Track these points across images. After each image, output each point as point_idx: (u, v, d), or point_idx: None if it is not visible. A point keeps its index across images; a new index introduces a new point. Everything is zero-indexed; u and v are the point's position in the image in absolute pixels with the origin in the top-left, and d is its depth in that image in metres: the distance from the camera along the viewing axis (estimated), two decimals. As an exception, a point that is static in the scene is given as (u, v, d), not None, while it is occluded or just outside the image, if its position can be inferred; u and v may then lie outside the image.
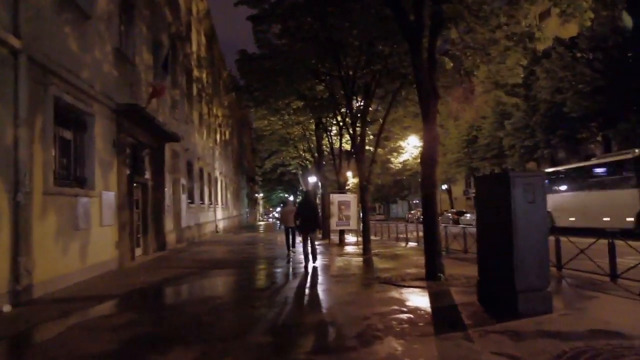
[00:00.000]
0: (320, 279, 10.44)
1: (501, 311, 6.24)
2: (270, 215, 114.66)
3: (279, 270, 12.30)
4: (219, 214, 33.49)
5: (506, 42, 13.54)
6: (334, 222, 20.08)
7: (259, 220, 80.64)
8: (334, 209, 20.09)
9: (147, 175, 15.90)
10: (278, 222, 36.76)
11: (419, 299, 7.39)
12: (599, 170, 20.84)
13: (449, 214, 43.30)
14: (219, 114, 35.63)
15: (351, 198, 20.61)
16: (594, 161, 21.78)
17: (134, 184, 14.31)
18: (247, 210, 63.43)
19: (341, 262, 13.23)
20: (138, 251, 14.89)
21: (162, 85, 14.64)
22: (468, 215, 39.27)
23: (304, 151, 31.13)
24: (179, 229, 20.05)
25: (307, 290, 8.90)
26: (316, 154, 28.94)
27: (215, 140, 33.33)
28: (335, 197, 20.28)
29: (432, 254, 9.37)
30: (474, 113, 36.07)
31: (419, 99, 10.16)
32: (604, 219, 19.15)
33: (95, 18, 11.13)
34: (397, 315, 6.22)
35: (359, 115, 16.70)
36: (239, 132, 52.98)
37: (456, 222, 38.10)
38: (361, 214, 18.55)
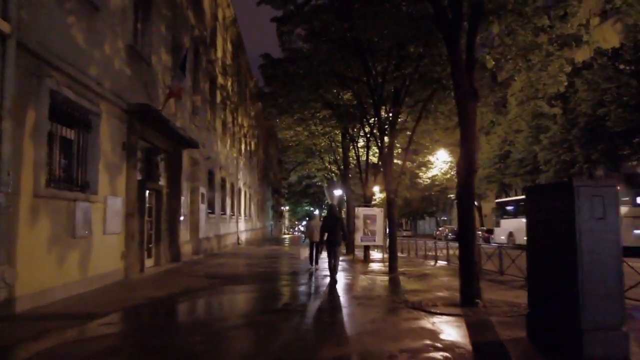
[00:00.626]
0: (341, 300, 9.29)
1: (560, 353, 4.98)
2: (296, 229, 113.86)
3: (298, 288, 11.19)
4: (242, 225, 32.60)
5: (549, 47, 12.37)
6: (358, 237, 18.88)
7: (284, 234, 79.70)
8: (359, 223, 18.91)
9: (162, 182, 15.03)
10: (303, 235, 35.68)
11: (455, 331, 6.15)
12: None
13: (479, 232, 41.50)
14: (245, 123, 34.94)
15: (377, 212, 19.40)
16: None
17: (147, 191, 13.44)
18: (272, 222, 62.55)
19: (365, 281, 12.01)
20: (149, 262, 13.97)
21: (179, 86, 13.80)
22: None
23: (330, 163, 30.09)
24: (196, 239, 19.13)
25: (324, 315, 7.74)
26: (342, 166, 27.87)
27: (240, 150, 32.58)
28: (361, 211, 19.11)
29: (469, 276, 8.11)
30: (507, 127, 34.61)
31: (456, 101, 9.00)
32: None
33: (106, 11, 10.32)
34: (430, 355, 5.01)
35: (387, 124, 15.59)
36: (265, 144, 52.34)
37: (486, 240, 36.37)
38: (388, 229, 17.35)
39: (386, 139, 15.30)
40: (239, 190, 31.81)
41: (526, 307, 7.68)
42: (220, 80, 24.67)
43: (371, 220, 19.13)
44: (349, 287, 10.98)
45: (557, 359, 4.93)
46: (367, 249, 19.35)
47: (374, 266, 16.19)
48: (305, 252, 20.22)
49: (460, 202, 8.66)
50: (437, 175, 43.14)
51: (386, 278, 12.68)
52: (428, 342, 5.52)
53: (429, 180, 44.81)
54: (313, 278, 12.71)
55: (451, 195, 44.72)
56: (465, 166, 8.42)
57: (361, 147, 25.43)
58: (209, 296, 9.72)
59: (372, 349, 5.30)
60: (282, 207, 74.81)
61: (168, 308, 8.52)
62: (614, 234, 4.99)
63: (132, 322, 7.31)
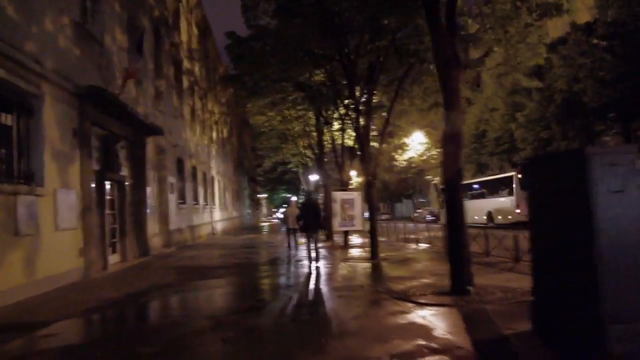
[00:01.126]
0: (322, 292, 8.48)
1: (578, 350, 4.23)
2: (274, 216, 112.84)
3: (275, 280, 10.33)
4: (217, 215, 31.52)
5: (528, 17, 11.65)
6: (336, 223, 18.08)
7: (262, 221, 78.69)
8: (336, 207, 18.09)
9: (124, 172, 13.91)
10: (281, 222, 34.84)
11: (450, 327, 5.37)
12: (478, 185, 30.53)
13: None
14: (216, 110, 33.69)
15: (355, 196, 18.58)
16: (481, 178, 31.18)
17: (106, 182, 12.35)
18: (250, 211, 61.44)
19: (346, 269, 11.21)
20: (114, 258, 12.92)
21: (135, 67, 12.70)
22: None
23: (305, 148, 29.12)
24: (166, 231, 18.07)
25: (302, 312, 6.89)
26: (316, 151, 26.95)
27: (211, 138, 31.37)
28: (338, 195, 18.27)
29: (459, 261, 7.33)
30: (483, 105, 33.97)
31: (438, 69, 8.16)
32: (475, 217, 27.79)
33: (45, -19, 9.15)
34: (426, 359, 4.20)
35: (362, 105, 14.71)
36: (238, 131, 51.02)
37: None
38: (367, 214, 16.58)
39: (362, 120, 14.44)
40: (212, 178, 30.66)
41: (522, 293, 7.03)
42: (186, 64, 23.41)
43: (349, 204, 18.30)
44: (329, 277, 10.16)
45: (573, 355, 4.18)
46: (346, 234, 18.56)
47: (354, 252, 15.42)
48: (284, 240, 19.40)
49: (448, 181, 7.86)
50: (413, 157, 42.55)
51: (368, 265, 11.89)
52: (421, 342, 4.71)
53: (405, 163, 44.23)
54: (292, 267, 11.87)
55: (428, 177, 44.24)
56: (450, 136, 7.62)
57: (336, 130, 24.62)
58: (175, 294, 8.78)
59: (356, 355, 4.47)
60: (259, 195, 73.64)
61: (124, 311, 7.56)
62: (635, 209, 4.22)
63: (79, 332, 6.33)
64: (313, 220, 12.14)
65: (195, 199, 24.69)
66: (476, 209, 28.58)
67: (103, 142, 12.34)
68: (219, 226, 31.79)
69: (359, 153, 19.00)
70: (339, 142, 26.19)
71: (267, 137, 30.47)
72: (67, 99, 9.97)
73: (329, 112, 20.78)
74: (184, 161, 21.97)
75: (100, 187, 11.83)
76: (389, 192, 59.01)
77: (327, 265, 12.12)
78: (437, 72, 8.41)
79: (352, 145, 23.31)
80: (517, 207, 24.37)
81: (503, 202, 26.33)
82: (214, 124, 32.68)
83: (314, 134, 27.30)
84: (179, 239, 19.75)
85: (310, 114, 25.15)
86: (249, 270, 12.02)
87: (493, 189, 27.93)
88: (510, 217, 25.22)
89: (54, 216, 9.24)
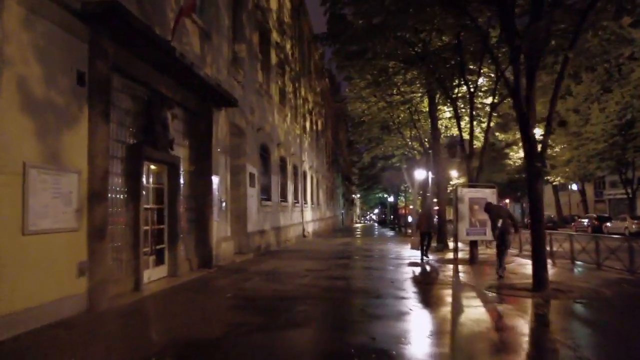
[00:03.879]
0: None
1: None
2: (367, 217, 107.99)
3: (393, 326, 5.56)
4: (308, 215, 27.37)
5: None
6: (463, 229, 12.97)
7: (356, 222, 74.27)
8: (463, 209, 13.00)
9: (179, 153, 9.87)
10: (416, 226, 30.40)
11: None
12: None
13: (585, 220, 33.93)
14: (309, 98, 29.58)
15: (488, 194, 13.36)
16: None
17: (146, 162, 8.31)
18: (343, 211, 57.18)
19: (512, 316, 6.17)
20: (157, 272, 8.89)
21: (194, 1, 8.56)
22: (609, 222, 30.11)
23: (411, 139, 24.08)
24: (243, 234, 13.98)
25: None
26: (425, 141, 21.82)
27: (304, 128, 27.28)
28: (465, 193, 13.16)
29: None
30: (633, 89, 26.69)
31: None
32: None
33: None
34: None
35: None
36: (333, 126, 46.91)
37: (596, 230, 28.93)
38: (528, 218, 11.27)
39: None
40: (304, 173, 26.53)
41: None
42: (275, 37, 19.37)
43: (480, 205, 13.13)
44: (498, 339, 5.23)
45: None
46: (473, 245, 13.37)
47: (489, 275, 10.12)
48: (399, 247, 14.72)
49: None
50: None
51: (533, 314, 6.73)
52: None
53: (520, 161, 37.49)
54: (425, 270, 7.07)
55: (549, 178, 37.08)
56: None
57: (452, 117, 19.44)
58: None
59: None
60: (353, 195, 69.23)
61: None
62: None
63: None
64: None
65: (284, 195, 20.59)
66: None
67: (143, 105, 8.29)
68: (310, 227, 27.62)
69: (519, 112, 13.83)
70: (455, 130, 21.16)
71: (367, 126, 25.81)
72: (66, 20, 5.94)
73: (454, 85, 15.55)
74: (269, 150, 17.90)
75: (135, 170, 7.79)
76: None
77: (469, 301, 7.17)
78: None
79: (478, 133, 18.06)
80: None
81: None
82: (307, 113, 28.58)
83: (424, 122, 22.23)
84: (259, 243, 15.63)
85: (419, 96, 20.20)
86: (350, 305, 7.35)
87: None
88: None
89: (21, 211, 5.20)
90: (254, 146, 15.59)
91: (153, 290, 8.01)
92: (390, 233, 36.17)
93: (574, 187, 40.07)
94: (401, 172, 29.92)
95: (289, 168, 21.77)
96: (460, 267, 11.89)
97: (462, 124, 21.55)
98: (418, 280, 9.60)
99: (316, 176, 31.89)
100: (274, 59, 19.08)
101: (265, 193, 17.35)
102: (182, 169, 9.82)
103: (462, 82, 14.04)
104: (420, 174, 25.40)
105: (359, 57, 15.03)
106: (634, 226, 26.08)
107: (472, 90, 14.01)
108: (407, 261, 13.49)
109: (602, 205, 43.89)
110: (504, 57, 11.28)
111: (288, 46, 22.24)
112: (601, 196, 44.23)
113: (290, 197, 21.80)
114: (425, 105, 21.50)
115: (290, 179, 22.08)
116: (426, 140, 22.48)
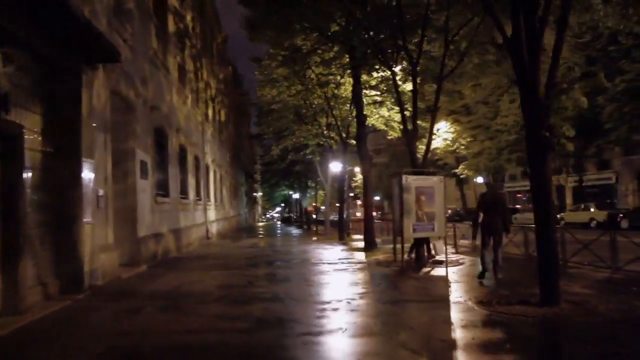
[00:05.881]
0: None
1: None
2: (270, 216, 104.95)
3: None
4: (212, 214, 23.89)
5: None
6: (409, 225, 10.63)
7: (259, 221, 71.07)
8: (410, 200, 10.66)
9: (25, 120, 6.32)
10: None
11: None
12: None
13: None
14: (212, 84, 26.02)
15: (436, 183, 11.18)
16: None
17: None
18: (246, 210, 53.76)
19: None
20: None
21: None
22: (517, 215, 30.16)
23: (328, 128, 21.65)
24: (132, 240, 10.50)
25: None
26: (341, 130, 19.54)
27: (207, 116, 23.73)
28: (412, 181, 10.82)
29: None
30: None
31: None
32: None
33: None
34: None
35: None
36: (236, 120, 43.36)
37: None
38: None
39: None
40: (207, 167, 23.00)
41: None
42: (173, 2, 15.84)
43: (427, 196, 10.91)
44: None
45: None
46: (420, 244, 11.14)
47: (458, 295, 7.86)
48: (320, 248, 12.17)
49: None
50: (438, 148, 34.98)
51: (567, 328, 4.45)
52: None
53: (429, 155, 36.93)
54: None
55: (455, 170, 36.84)
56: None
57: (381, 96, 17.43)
58: None
59: None
60: (255, 194, 65.86)
61: None
62: None
63: None
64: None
65: (184, 191, 17.08)
66: None
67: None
68: (215, 228, 24.17)
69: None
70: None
71: (277, 115, 22.94)
72: None
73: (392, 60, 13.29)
74: (167, 135, 14.39)
75: None
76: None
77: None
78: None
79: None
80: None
81: None
82: (209, 99, 25.01)
83: (342, 107, 19.95)
84: (155, 249, 12.16)
85: (340, 78, 17.86)
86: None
87: None
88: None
89: None
90: (148, 128, 12.08)
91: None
92: (298, 231, 33.73)
93: (479, 179, 40.33)
94: (314, 165, 27.41)
95: (190, 159, 18.26)
96: (421, 274, 9.52)
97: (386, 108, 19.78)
98: (386, 299, 6.97)
99: (220, 171, 28.38)
100: (171, 26, 15.56)
101: (162, 188, 13.84)
102: (28, 146, 6.28)
103: (403, 50, 11.70)
104: (335, 166, 23.09)
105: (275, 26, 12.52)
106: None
107: (414, 58, 11.71)
108: (341, 266, 10.94)
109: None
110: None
111: (189, 17, 18.71)
112: (502, 189, 45.31)
113: (192, 194, 18.30)
114: (344, 90, 19.24)
115: (192, 172, 18.58)
116: (342, 128, 20.25)
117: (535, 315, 5.38)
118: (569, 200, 35.79)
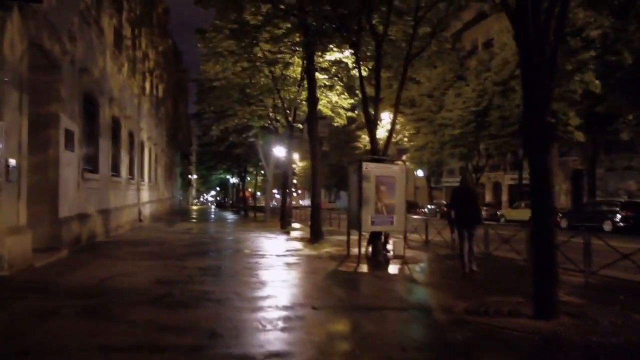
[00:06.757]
0: None
1: None
2: (203, 199, 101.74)
3: None
4: (145, 195, 22.04)
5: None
6: (368, 217, 9.80)
7: (193, 205, 68.48)
8: (370, 189, 9.82)
9: None
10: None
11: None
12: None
13: (432, 207, 34.79)
14: (150, 55, 23.91)
15: (397, 172, 10.44)
16: None
17: None
18: (181, 192, 51.33)
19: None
20: None
21: None
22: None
23: (274, 110, 20.44)
24: (51, 221, 8.92)
25: None
26: (288, 113, 18.47)
27: (143, 89, 21.73)
28: (372, 169, 9.99)
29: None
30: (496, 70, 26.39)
31: None
32: None
33: None
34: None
35: None
36: (174, 97, 40.89)
37: (444, 216, 28.88)
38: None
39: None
40: (142, 144, 21.10)
41: None
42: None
43: (388, 186, 10.14)
44: None
45: None
46: (377, 238, 10.35)
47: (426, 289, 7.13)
48: (262, 235, 11.12)
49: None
50: (380, 139, 34.65)
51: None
52: None
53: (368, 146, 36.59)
54: None
55: (398, 162, 36.77)
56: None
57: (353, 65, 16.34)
58: None
59: None
60: (190, 175, 63.16)
61: None
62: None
63: None
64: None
65: (116, 168, 15.32)
66: None
67: None
68: (148, 210, 22.34)
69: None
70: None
71: (219, 92, 21.37)
72: None
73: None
74: (98, 103, 12.66)
75: None
76: (338, 179, 51.10)
77: None
78: None
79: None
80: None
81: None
82: (147, 72, 22.94)
83: (290, 88, 18.88)
84: (80, 232, 10.56)
85: (289, 57, 16.69)
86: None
87: None
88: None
89: None
90: (75, 92, 10.38)
91: None
92: (235, 217, 32.37)
93: (419, 173, 40.53)
94: (255, 148, 26.06)
95: (124, 134, 16.44)
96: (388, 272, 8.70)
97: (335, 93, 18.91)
98: (356, 305, 6.01)
99: (155, 149, 26.35)
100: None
101: (91, 162, 12.16)
102: None
103: (368, 26, 10.77)
104: (280, 151, 21.97)
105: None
106: (484, 213, 26.16)
107: (380, 37, 10.81)
108: (291, 259, 9.93)
109: (439, 192, 45.20)
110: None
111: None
112: (438, 183, 45.80)
113: (124, 171, 16.51)
114: (292, 70, 18.13)
115: (126, 148, 16.76)
116: (289, 111, 19.19)
117: (538, 332, 4.55)
118: (504, 197, 36.68)
